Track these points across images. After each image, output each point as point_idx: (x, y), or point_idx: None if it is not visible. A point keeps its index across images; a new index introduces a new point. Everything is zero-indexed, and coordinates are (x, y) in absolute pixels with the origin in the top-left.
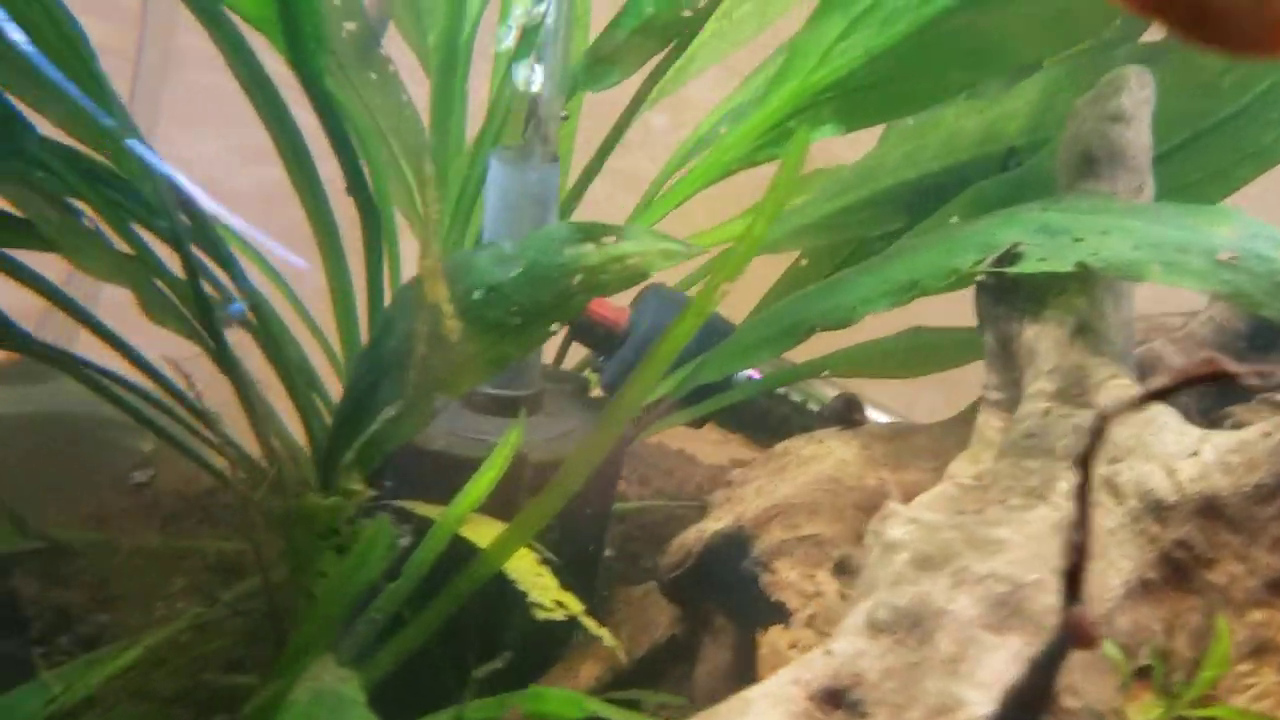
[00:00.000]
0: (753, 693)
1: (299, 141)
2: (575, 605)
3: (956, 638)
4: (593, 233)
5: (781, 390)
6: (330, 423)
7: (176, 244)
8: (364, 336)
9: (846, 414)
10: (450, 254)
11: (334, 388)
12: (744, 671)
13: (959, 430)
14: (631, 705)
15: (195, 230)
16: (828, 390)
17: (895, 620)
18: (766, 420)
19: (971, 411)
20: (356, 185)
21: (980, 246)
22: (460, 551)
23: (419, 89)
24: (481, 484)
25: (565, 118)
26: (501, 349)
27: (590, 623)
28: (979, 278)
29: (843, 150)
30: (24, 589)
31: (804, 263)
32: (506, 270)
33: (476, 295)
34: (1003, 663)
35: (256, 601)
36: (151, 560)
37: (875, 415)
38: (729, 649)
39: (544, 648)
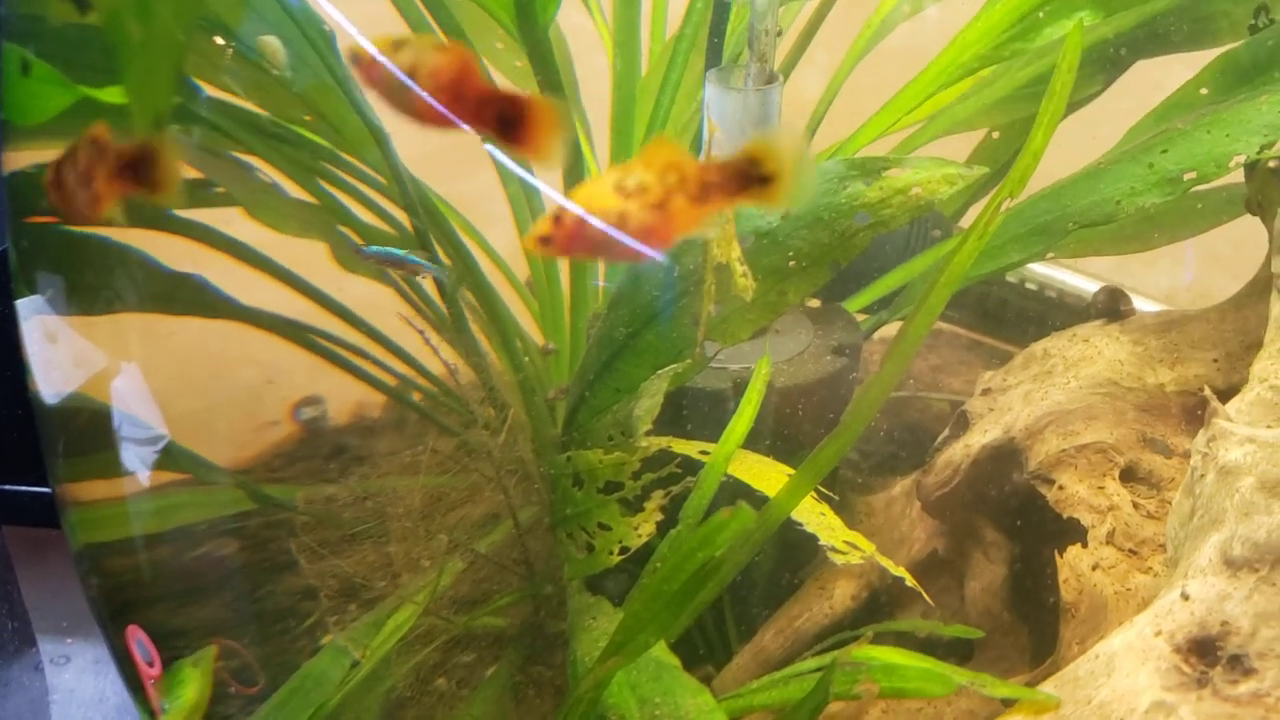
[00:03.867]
0: (1112, 646)
1: None
2: (867, 545)
3: None
4: (869, 167)
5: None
6: (576, 372)
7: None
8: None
9: (1113, 306)
10: None
11: None
12: (1027, 588)
13: (1236, 316)
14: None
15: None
16: (1056, 275)
17: (1256, 556)
18: (995, 310)
19: (1246, 297)
20: None
21: (1266, 128)
22: (728, 483)
23: None
24: (744, 420)
25: (780, 33)
26: (781, 294)
27: (873, 550)
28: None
29: None
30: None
31: (995, 136)
32: (777, 213)
33: (747, 243)
34: None
35: (511, 550)
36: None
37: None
38: (1004, 564)
39: (791, 563)
